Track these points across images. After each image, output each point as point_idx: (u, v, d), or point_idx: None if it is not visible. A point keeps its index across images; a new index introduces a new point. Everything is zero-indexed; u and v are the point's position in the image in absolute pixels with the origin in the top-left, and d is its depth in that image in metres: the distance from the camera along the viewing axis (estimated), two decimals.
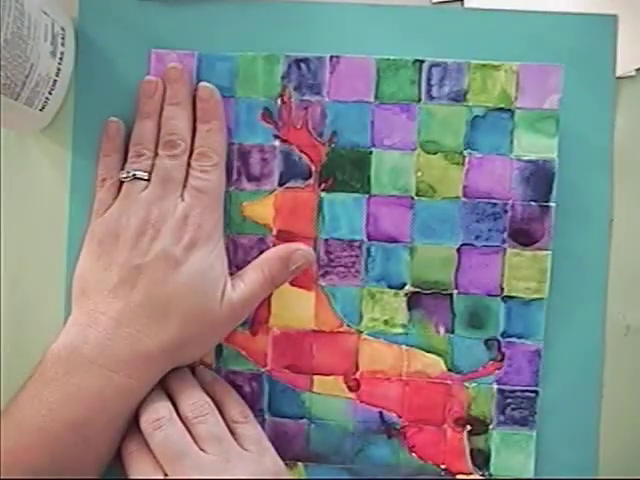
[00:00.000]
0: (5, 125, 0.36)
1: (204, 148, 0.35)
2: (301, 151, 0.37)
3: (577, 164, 0.37)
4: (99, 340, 0.32)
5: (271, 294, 0.37)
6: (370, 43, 0.37)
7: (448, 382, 0.37)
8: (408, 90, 0.36)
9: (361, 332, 0.37)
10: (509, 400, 0.37)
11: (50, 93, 0.36)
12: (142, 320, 0.33)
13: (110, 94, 0.37)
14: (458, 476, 0.37)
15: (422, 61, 0.36)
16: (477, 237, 0.36)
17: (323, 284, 0.37)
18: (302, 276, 0.37)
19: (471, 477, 0.37)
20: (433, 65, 0.36)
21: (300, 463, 0.37)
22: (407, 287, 0.37)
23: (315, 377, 0.37)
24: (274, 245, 0.37)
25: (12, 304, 0.38)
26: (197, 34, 0.37)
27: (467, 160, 0.36)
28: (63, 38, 0.36)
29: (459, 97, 0.36)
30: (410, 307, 0.37)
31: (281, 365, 0.37)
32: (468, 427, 0.37)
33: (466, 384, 0.37)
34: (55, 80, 0.36)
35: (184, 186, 0.35)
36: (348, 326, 0.37)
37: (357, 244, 0.37)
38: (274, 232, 0.37)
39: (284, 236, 0.37)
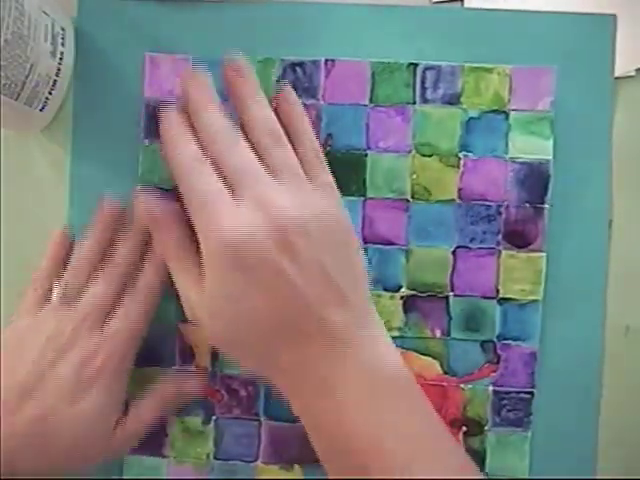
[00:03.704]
0: (5, 125, 0.36)
1: (140, 286, 0.34)
2: None
3: (576, 164, 0.37)
4: None
5: None
6: (369, 43, 0.37)
7: (444, 384, 0.37)
8: (403, 93, 0.37)
9: None
10: (504, 402, 0.37)
11: (50, 93, 0.36)
12: (24, 445, 0.32)
13: (109, 94, 0.38)
14: None
15: (416, 64, 0.37)
16: (472, 239, 0.36)
17: None
18: None
19: None
20: (427, 68, 0.37)
21: (297, 465, 0.37)
22: (403, 290, 0.37)
23: None
24: None
25: (12, 303, 0.37)
26: (195, 35, 0.37)
27: (462, 162, 0.36)
28: (63, 38, 0.36)
29: (453, 100, 0.36)
30: (406, 310, 0.37)
31: None
32: (464, 428, 0.37)
33: (462, 386, 0.37)
34: (55, 80, 0.36)
35: (106, 317, 0.34)
36: None
37: None
38: None
39: None
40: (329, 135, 0.37)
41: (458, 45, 0.37)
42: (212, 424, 0.37)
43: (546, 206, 0.36)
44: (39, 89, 0.35)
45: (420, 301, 0.37)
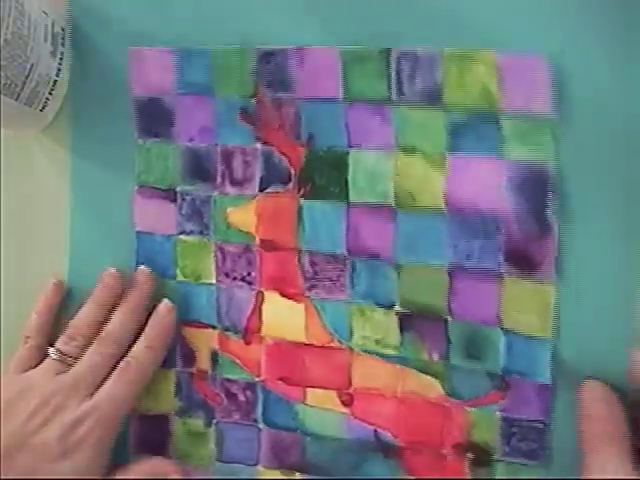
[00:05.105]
0: (5, 125, 0.36)
1: (134, 360, 0.35)
2: (281, 153, 0.34)
3: (589, 172, 0.30)
4: None
5: (262, 303, 0.35)
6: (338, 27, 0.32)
7: (446, 405, 0.33)
8: (377, 86, 0.32)
9: (352, 349, 0.34)
10: (514, 429, 0.32)
11: (50, 93, 0.36)
12: None
13: (108, 94, 0.37)
14: None
15: (389, 50, 0.32)
16: (468, 256, 0.32)
17: (311, 297, 0.35)
18: (291, 287, 0.35)
19: None
20: (402, 54, 0.32)
21: (297, 473, 0.36)
22: (396, 307, 0.33)
23: (308, 390, 0.35)
24: (260, 255, 0.35)
25: (13, 304, 0.39)
26: (175, 27, 0.35)
27: (449, 162, 0.32)
28: (63, 38, 0.36)
29: (433, 96, 0.31)
30: (402, 328, 0.33)
31: (275, 376, 0.36)
32: (470, 455, 0.33)
33: (466, 408, 0.33)
34: (55, 80, 0.36)
35: (98, 385, 0.34)
36: (339, 342, 0.34)
37: (340, 258, 0.34)
38: (257, 241, 0.35)
39: (267, 245, 0.35)
40: (310, 134, 0.33)
41: (438, 27, 0.31)
42: (213, 427, 0.37)
43: (551, 218, 0.30)
44: (39, 89, 0.35)
45: (417, 320, 0.33)
